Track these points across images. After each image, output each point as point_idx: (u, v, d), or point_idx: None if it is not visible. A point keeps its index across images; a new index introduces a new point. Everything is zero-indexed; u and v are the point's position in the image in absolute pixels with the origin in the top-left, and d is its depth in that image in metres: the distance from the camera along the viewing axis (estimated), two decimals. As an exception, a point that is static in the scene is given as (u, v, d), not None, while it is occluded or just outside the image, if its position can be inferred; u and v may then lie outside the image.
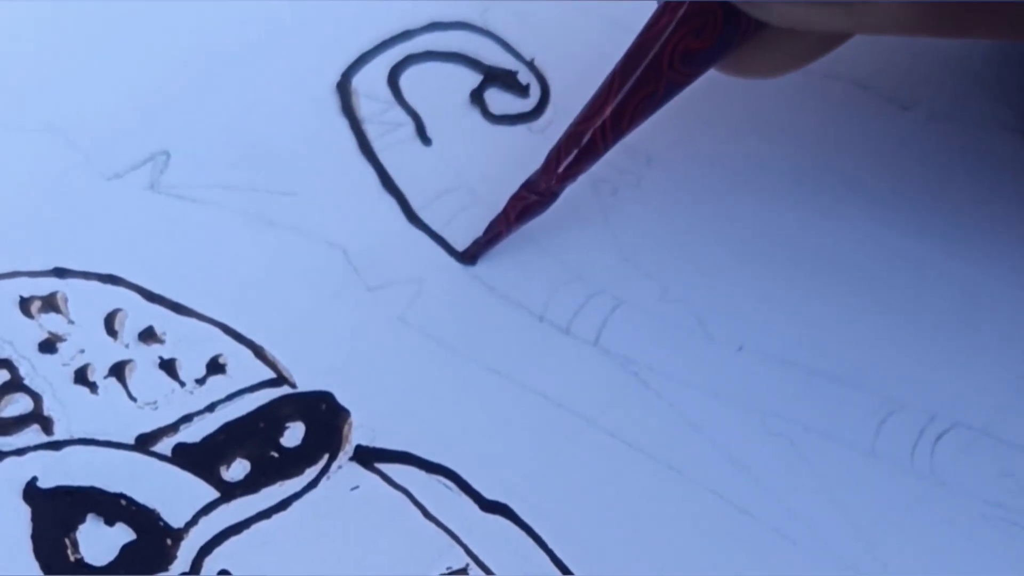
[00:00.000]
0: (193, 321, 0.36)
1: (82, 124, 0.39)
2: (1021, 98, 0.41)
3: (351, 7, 0.41)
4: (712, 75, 0.37)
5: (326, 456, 0.35)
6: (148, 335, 0.36)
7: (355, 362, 0.36)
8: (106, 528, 0.33)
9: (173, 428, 0.35)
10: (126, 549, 0.33)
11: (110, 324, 0.36)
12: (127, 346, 0.36)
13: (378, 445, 0.35)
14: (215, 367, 0.36)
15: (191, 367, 0.36)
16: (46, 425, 0.35)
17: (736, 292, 0.37)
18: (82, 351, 0.36)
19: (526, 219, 0.37)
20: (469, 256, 0.37)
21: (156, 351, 0.36)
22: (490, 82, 0.41)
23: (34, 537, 0.33)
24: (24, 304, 0.36)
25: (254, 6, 0.41)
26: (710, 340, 0.37)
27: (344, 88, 0.40)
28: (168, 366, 0.36)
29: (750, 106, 0.37)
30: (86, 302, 0.36)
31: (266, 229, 0.38)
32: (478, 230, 0.38)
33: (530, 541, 0.34)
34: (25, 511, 0.34)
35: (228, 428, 0.35)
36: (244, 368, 0.36)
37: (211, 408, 0.35)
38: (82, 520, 0.34)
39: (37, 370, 0.35)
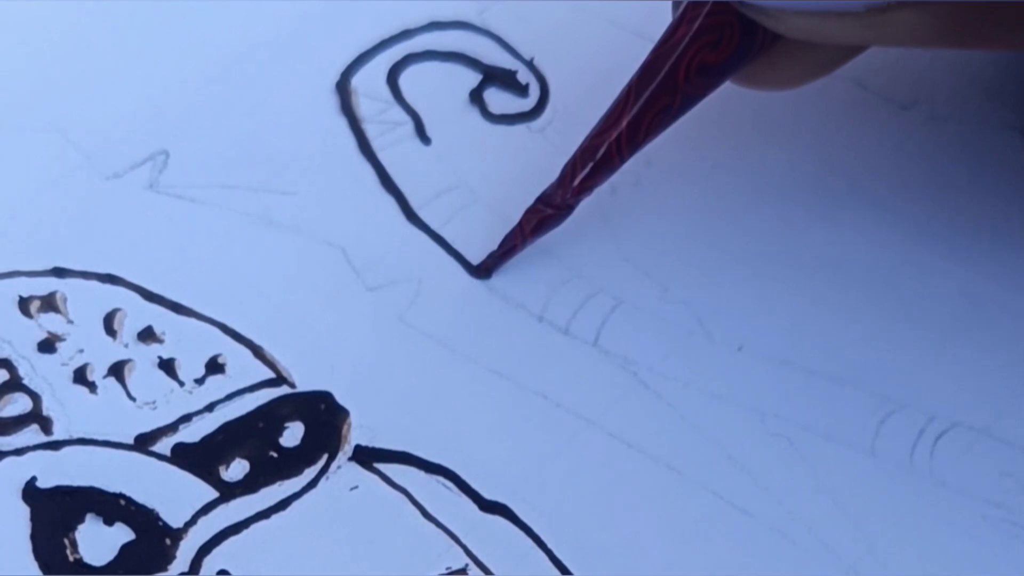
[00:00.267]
0: (192, 321, 0.36)
1: (81, 124, 0.39)
2: (1021, 98, 0.41)
3: (350, 6, 0.41)
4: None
5: (325, 456, 0.35)
6: (147, 335, 0.36)
7: (354, 362, 0.36)
8: (105, 528, 0.33)
9: (172, 428, 0.35)
10: (125, 549, 0.33)
11: (109, 324, 0.36)
12: (126, 346, 0.36)
13: (377, 445, 0.35)
14: (214, 367, 0.36)
15: (190, 367, 0.36)
16: (45, 425, 0.35)
17: (736, 292, 0.37)
18: (81, 351, 0.36)
19: (541, 232, 0.37)
20: (484, 270, 0.37)
21: (155, 351, 0.36)
22: (489, 81, 0.41)
23: (33, 537, 0.33)
24: (23, 304, 0.36)
25: (253, 6, 0.41)
26: (710, 340, 0.37)
27: (343, 87, 0.40)
28: (167, 366, 0.36)
29: (748, 106, 0.37)
30: (85, 302, 0.36)
31: (265, 229, 0.38)
32: (477, 229, 0.38)
33: (529, 541, 0.34)
34: (24, 511, 0.34)
35: (227, 428, 0.35)
36: (243, 368, 0.36)
37: (210, 408, 0.35)
38: (81, 520, 0.34)
39: (36, 370, 0.35)
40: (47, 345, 0.36)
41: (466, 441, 0.35)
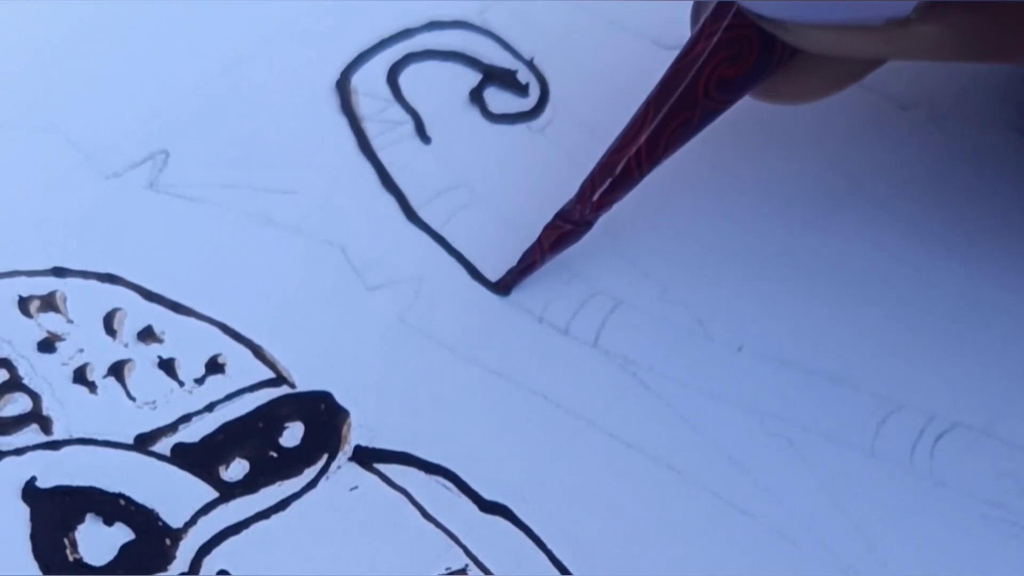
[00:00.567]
0: (192, 320, 0.36)
1: (81, 123, 0.39)
2: (1022, 97, 0.41)
3: (350, 6, 0.41)
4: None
5: (325, 456, 0.35)
6: (147, 334, 0.36)
7: (354, 362, 0.36)
8: (105, 528, 0.33)
9: (172, 428, 0.35)
10: (125, 549, 0.33)
11: (109, 323, 0.36)
12: (126, 345, 0.36)
13: (377, 445, 0.35)
14: (214, 367, 0.36)
15: (190, 367, 0.36)
16: (45, 425, 0.35)
17: (736, 292, 0.37)
18: (81, 350, 0.36)
19: (560, 248, 0.37)
20: (503, 287, 0.37)
21: (155, 350, 0.36)
22: (489, 81, 0.41)
23: (33, 537, 0.33)
24: (23, 303, 0.36)
25: (253, 6, 0.41)
26: (710, 340, 0.37)
27: (343, 86, 0.40)
28: (167, 366, 0.36)
29: (748, 106, 0.37)
30: (85, 301, 0.36)
31: (265, 228, 0.38)
32: (478, 229, 0.38)
33: (529, 542, 0.34)
34: (24, 511, 0.34)
35: (227, 428, 0.35)
36: (243, 368, 0.36)
37: (210, 408, 0.35)
38: (81, 520, 0.34)
39: (36, 369, 0.35)
40: (47, 345, 0.36)
41: (466, 441, 0.35)
